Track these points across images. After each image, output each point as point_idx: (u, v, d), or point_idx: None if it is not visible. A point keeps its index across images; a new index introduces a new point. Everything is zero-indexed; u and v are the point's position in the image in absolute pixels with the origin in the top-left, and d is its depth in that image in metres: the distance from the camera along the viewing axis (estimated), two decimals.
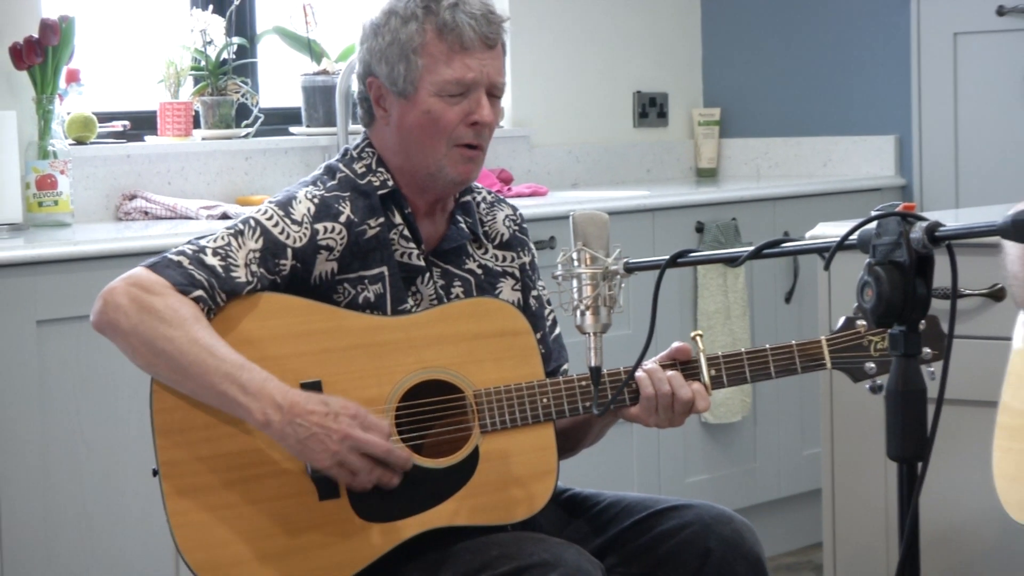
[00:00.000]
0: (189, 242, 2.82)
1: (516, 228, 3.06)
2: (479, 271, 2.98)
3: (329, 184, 2.91)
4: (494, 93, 2.91)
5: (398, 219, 2.92)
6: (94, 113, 4.58)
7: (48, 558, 3.76)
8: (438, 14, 2.85)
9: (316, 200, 2.88)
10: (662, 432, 4.61)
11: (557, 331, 3.07)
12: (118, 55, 4.93)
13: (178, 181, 4.73)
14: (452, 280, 2.95)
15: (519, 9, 5.59)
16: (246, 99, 4.93)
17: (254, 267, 2.80)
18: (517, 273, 3.03)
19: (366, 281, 2.87)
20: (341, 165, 2.94)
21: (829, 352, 2.88)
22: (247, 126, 4.94)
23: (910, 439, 2.22)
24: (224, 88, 4.88)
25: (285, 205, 2.87)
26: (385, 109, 2.91)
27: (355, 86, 2.98)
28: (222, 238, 2.81)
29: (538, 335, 2.99)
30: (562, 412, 2.82)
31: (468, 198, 3.01)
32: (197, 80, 4.88)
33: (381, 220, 2.90)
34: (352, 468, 2.69)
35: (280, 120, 5.15)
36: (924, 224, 2.21)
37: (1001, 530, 3.21)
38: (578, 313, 2.59)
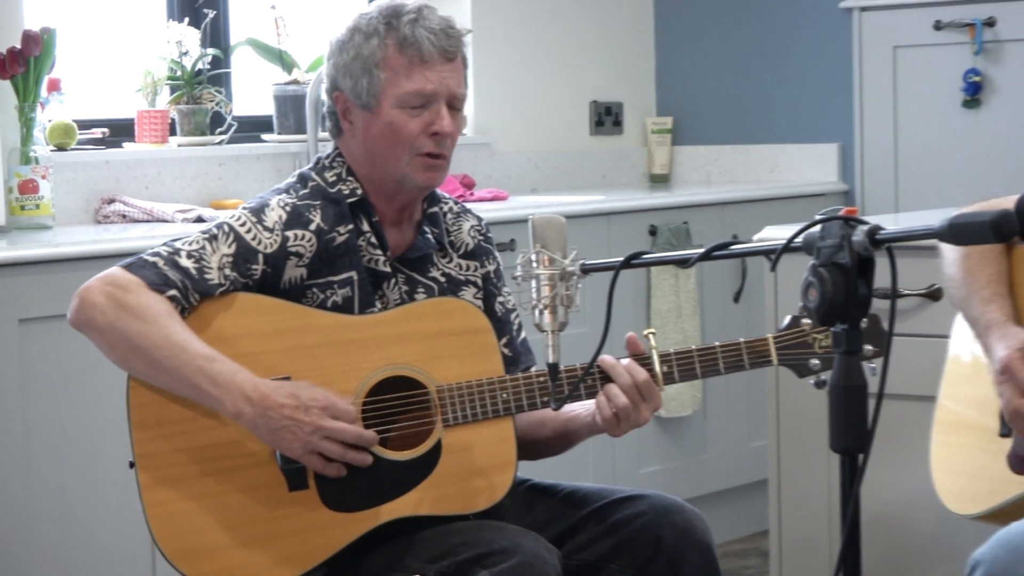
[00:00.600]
0: (164, 244, 2.81)
1: (481, 238, 3.06)
2: (443, 279, 2.98)
3: (301, 192, 2.90)
4: (454, 104, 2.90)
5: (366, 226, 2.91)
6: (74, 120, 4.57)
7: (29, 546, 3.74)
8: (399, 29, 2.85)
9: (288, 208, 2.87)
10: None
11: (523, 335, 3.07)
12: (97, 65, 4.91)
13: (155, 186, 4.71)
14: (416, 287, 2.94)
15: (481, 23, 5.59)
16: (220, 107, 4.92)
17: (227, 270, 2.79)
18: (479, 282, 3.03)
19: (335, 285, 2.87)
20: (313, 174, 2.94)
21: (776, 349, 2.89)
22: (221, 133, 4.93)
23: (852, 432, 2.23)
24: (199, 97, 4.86)
25: (258, 212, 2.86)
26: (351, 122, 2.91)
27: (324, 98, 2.97)
28: (197, 242, 2.80)
29: (505, 339, 3.00)
30: (521, 407, 2.82)
31: (435, 209, 3.00)
32: (173, 89, 4.86)
33: (350, 227, 2.89)
34: (322, 455, 2.69)
35: (253, 128, 5.14)
36: (865, 228, 2.22)
37: (937, 518, 3.22)
38: (537, 312, 2.59)
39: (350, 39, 2.88)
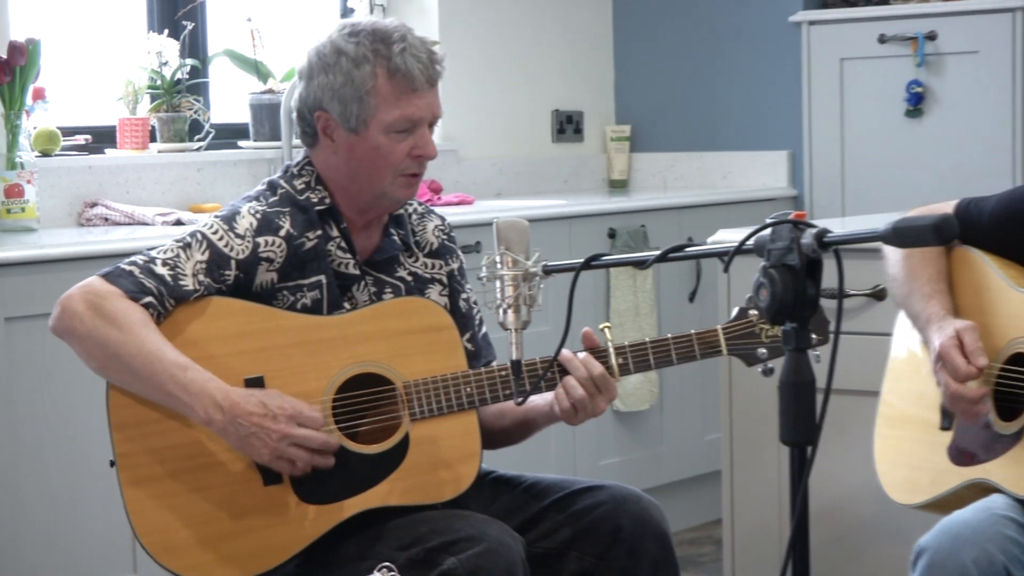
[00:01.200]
0: (141, 254, 2.81)
1: (445, 237, 3.05)
2: (409, 278, 2.97)
3: (271, 200, 2.89)
4: (433, 124, 2.89)
5: (335, 232, 2.90)
6: (58, 128, 4.55)
7: (15, 540, 3.72)
8: (389, 58, 2.82)
9: (258, 215, 2.86)
10: None
11: (484, 330, 3.06)
12: (81, 75, 4.89)
13: (136, 190, 4.70)
14: (384, 287, 2.93)
15: (448, 36, 5.58)
16: (198, 115, 4.90)
17: (201, 276, 2.78)
18: (445, 279, 3.02)
19: (304, 288, 2.86)
20: (282, 181, 2.92)
21: (725, 340, 2.89)
22: (199, 140, 4.91)
23: (801, 425, 2.23)
24: (178, 105, 4.85)
25: (230, 220, 2.85)
26: (333, 139, 2.88)
27: (298, 107, 2.93)
28: (171, 250, 2.79)
29: (468, 334, 3.00)
30: (484, 400, 2.82)
31: (400, 211, 2.99)
32: (153, 98, 4.85)
33: (319, 233, 2.88)
34: (290, 459, 2.69)
35: (229, 135, 5.12)
36: (813, 231, 2.22)
37: (880, 507, 3.22)
38: (501, 311, 2.59)
39: (336, 61, 2.84)
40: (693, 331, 2.88)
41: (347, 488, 2.77)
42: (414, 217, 3.03)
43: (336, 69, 2.83)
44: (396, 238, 2.97)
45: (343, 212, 2.91)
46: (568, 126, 6.10)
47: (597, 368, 2.82)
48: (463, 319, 3.00)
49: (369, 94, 2.82)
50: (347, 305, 2.88)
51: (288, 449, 2.68)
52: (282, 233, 2.85)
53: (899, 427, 3.09)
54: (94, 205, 4.55)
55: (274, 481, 2.75)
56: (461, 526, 2.71)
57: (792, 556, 2.27)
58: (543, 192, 5.88)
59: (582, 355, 2.84)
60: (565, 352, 2.82)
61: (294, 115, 2.95)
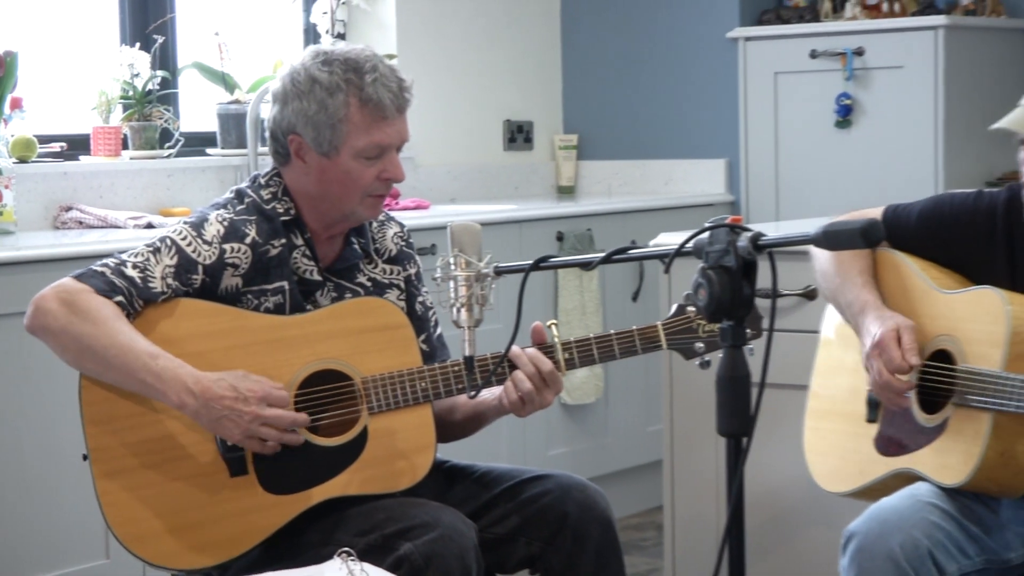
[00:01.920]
0: (112, 256, 2.79)
1: (403, 244, 3.04)
2: (368, 284, 2.96)
3: (238, 208, 2.87)
4: (401, 148, 2.88)
5: (299, 241, 2.89)
6: (35, 135, 4.52)
7: None
8: (361, 88, 2.80)
9: (225, 223, 2.84)
10: None
11: (439, 332, 3.06)
12: (57, 85, 4.86)
13: (109, 195, 4.67)
14: (344, 292, 2.92)
15: (406, 50, 5.57)
16: (168, 124, 4.88)
17: (169, 280, 2.76)
18: (402, 284, 3.01)
19: (267, 293, 2.84)
20: (249, 190, 2.91)
21: (664, 335, 2.89)
22: (169, 148, 4.89)
23: (737, 418, 2.23)
24: (149, 114, 4.82)
25: (198, 226, 2.83)
26: (305, 161, 2.86)
27: (268, 123, 2.90)
28: (142, 254, 2.78)
29: (423, 336, 2.99)
30: (438, 394, 2.82)
31: (371, 221, 2.98)
32: (126, 107, 4.82)
33: (283, 241, 2.86)
34: (260, 438, 2.69)
35: (198, 143, 5.10)
36: (749, 234, 2.22)
37: (810, 495, 3.23)
38: (454, 310, 2.59)
39: (310, 90, 2.81)
40: (635, 327, 2.88)
41: (309, 478, 2.76)
42: (374, 225, 3.02)
43: (310, 97, 2.81)
44: (357, 246, 2.96)
45: (307, 223, 2.89)
46: (519, 135, 6.10)
47: (544, 363, 2.82)
48: (419, 321, 2.99)
49: (342, 122, 2.81)
50: (309, 308, 2.86)
51: (260, 429, 2.68)
52: (248, 240, 2.83)
53: (828, 420, 3.10)
54: (69, 209, 4.52)
55: (240, 472, 2.74)
56: (416, 513, 2.71)
57: (728, 541, 2.27)
58: (495, 197, 5.87)
59: (530, 351, 2.83)
60: (514, 348, 2.81)
61: (267, 134, 2.92)
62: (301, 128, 2.83)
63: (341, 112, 2.80)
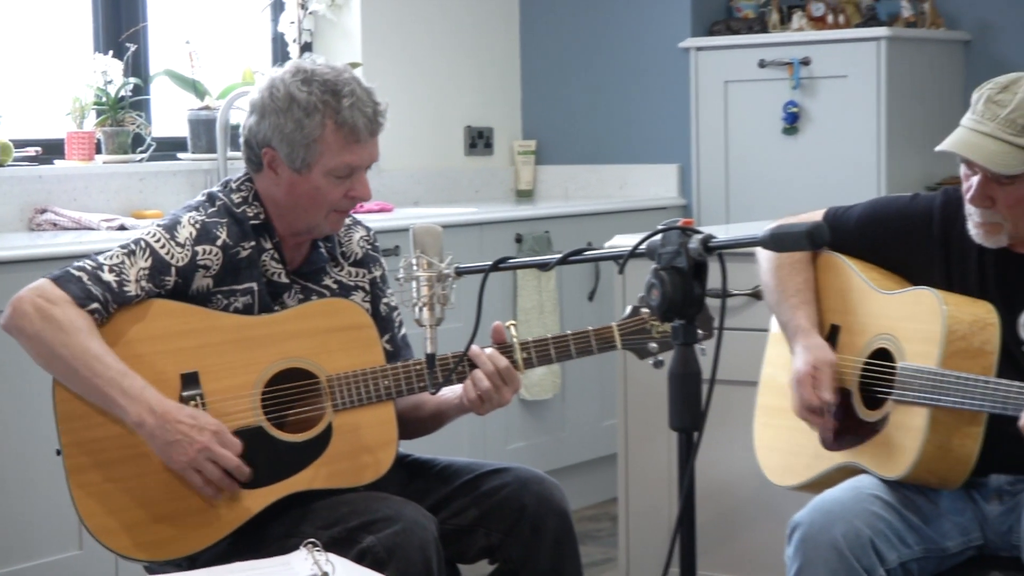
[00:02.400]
0: (89, 258, 2.78)
1: (369, 247, 3.04)
2: (335, 286, 2.95)
3: (210, 211, 2.86)
4: (369, 168, 2.87)
5: (268, 245, 2.88)
6: (10, 140, 4.49)
7: None
8: (338, 111, 2.79)
9: (197, 225, 2.83)
10: None
11: (403, 332, 3.05)
12: (32, 91, 4.83)
13: (82, 198, 4.64)
14: (311, 295, 2.92)
15: (370, 58, 5.56)
16: (140, 129, 4.85)
17: (143, 282, 2.75)
18: (367, 286, 3.00)
19: (237, 293, 2.83)
20: (221, 194, 2.89)
21: (619, 335, 2.89)
22: (141, 152, 4.86)
23: (688, 413, 2.23)
24: (122, 120, 4.80)
25: (171, 229, 2.82)
26: (277, 173, 2.85)
27: (244, 131, 2.88)
28: (117, 256, 2.77)
29: (387, 336, 2.98)
30: (400, 392, 2.81)
31: (333, 234, 2.97)
32: (99, 113, 4.79)
33: (252, 244, 2.85)
34: (204, 473, 2.67)
35: (169, 147, 5.07)
36: (700, 236, 2.22)
37: (760, 487, 3.24)
38: (417, 309, 2.58)
39: (288, 108, 2.79)
40: (590, 328, 2.88)
41: (275, 473, 2.74)
42: (341, 229, 3.01)
43: (288, 114, 2.80)
44: (323, 251, 2.95)
45: (276, 228, 2.88)
46: (479, 141, 6.09)
47: (502, 362, 2.82)
48: (383, 322, 2.99)
49: (317, 142, 2.80)
50: (277, 309, 2.86)
51: (205, 463, 2.66)
52: (218, 243, 2.82)
53: (776, 416, 3.11)
54: (44, 211, 4.49)
55: None
56: (379, 507, 2.70)
57: (680, 531, 2.27)
58: (456, 201, 5.87)
59: (489, 351, 2.83)
60: (474, 348, 2.81)
61: (241, 141, 2.90)
62: (276, 143, 2.82)
63: (316, 133, 2.79)
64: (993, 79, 2.80)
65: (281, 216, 2.87)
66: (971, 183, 2.79)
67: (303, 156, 2.80)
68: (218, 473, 2.68)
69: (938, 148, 2.80)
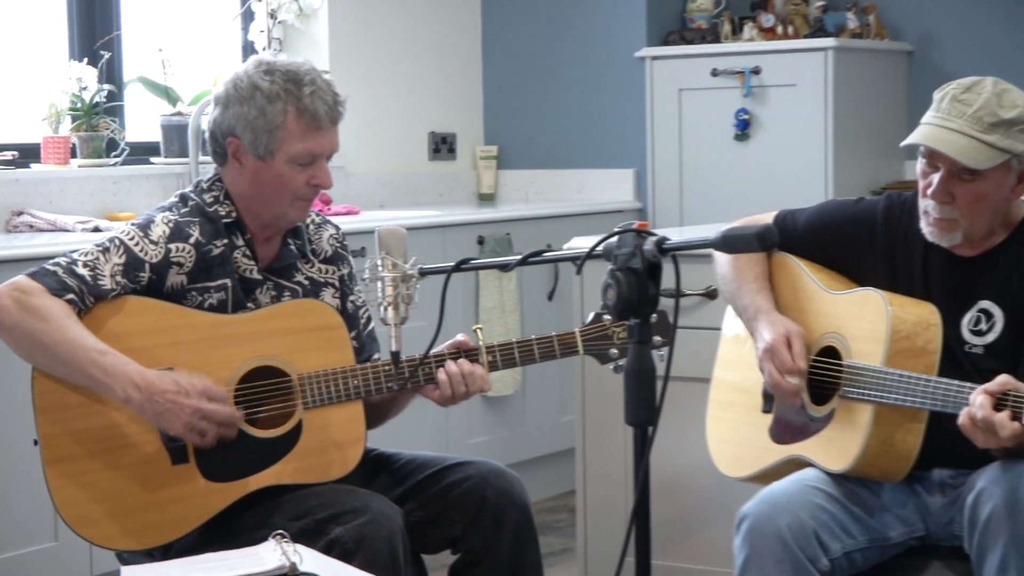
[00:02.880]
0: (64, 256, 2.76)
1: (338, 245, 3.04)
2: (306, 282, 2.95)
3: (182, 210, 2.86)
4: (331, 157, 2.87)
5: (240, 242, 2.87)
6: None
7: None
8: (299, 98, 2.80)
9: (171, 224, 2.82)
10: None
11: (371, 327, 3.05)
12: (9, 97, 4.80)
13: (58, 200, 4.62)
14: (283, 291, 2.91)
15: (337, 66, 5.55)
16: (114, 135, 4.84)
17: (118, 277, 2.74)
18: (337, 283, 3.00)
19: (211, 290, 2.82)
20: (193, 195, 2.89)
21: (582, 341, 2.90)
22: (115, 156, 4.85)
23: (643, 409, 2.24)
24: (96, 125, 4.78)
25: (145, 227, 2.81)
26: (241, 163, 2.85)
27: (208, 124, 2.89)
28: (92, 253, 2.75)
29: (354, 332, 2.98)
30: (369, 391, 2.81)
31: (298, 223, 2.97)
32: (74, 119, 4.77)
33: (225, 242, 2.85)
34: (200, 431, 2.67)
35: (143, 152, 5.06)
36: (654, 238, 2.23)
37: (713, 480, 3.25)
38: (382, 308, 2.58)
39: (251, 96, 2.80)
40: (554, 333, 2.89)
41: (247, 467, 2.74)
42: (311, 227, 3.01)
43: (251, 102, 2.80)
44: (293, 248, 2.94)
45: (247, 225, 2.88)
46: (443, 146, 6.09)
47: (468, 366, 2.82)
48: (351, 318, 2.98)
49: (279, 128, 2.80)
50: (251, 305, 2.85)
51: (199, 422, 2.66)
52: (191, 241, 2.82)
53: (727, 410, 3.12)
54: (20, 213, 4.47)
55: (181, 460, 2.73)
56: (347, 500, 2.70)
57: (635, 522, 2.28)
58: (420, 204, 5.86)
59: (467, 369, 2.83)
60: (443, 351, 2.82)
61: (206, 135, 2.91)
62: (240, 131, 2.82)
63: (279, 119, 2.79)
64: (955, 81, 2.82)
65: (249, 209, 2.87)
66: (931, 179, 2.79)
67: (266, 142, 2.80)
68: (214, 428, 2.68)
69: (906, 141, 2.80)
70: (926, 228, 2.84)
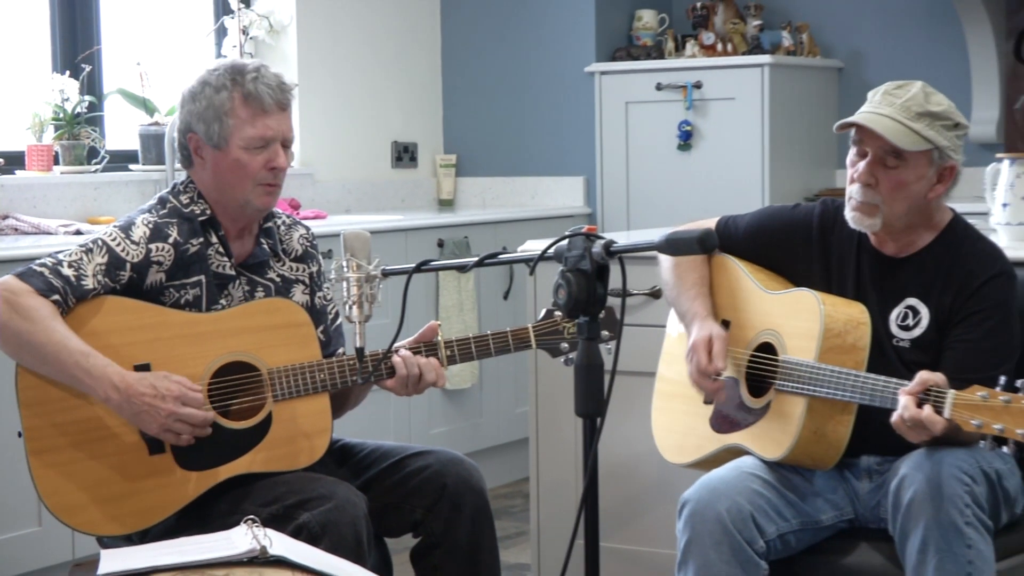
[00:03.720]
0: (50, 256, 2.75)
1: (308, 245, 3.03)
2: (278, 279, 2.94)
3: (161, 212, 2.85)
4: (286, 144, 2.87)
5: (214, 239, 2.86)
6: None
7: None
8: (243, 85, 2.80)
9: (151, 225, 2.81)
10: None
11: (337, 323, 3.04)
12: None
13: (42, 205, 4.59)
14: (256, 287, 2.90)
15: (305, 78, 5.53)
16: (95, 143, 4.80)
17: (100, 277, 2.73)
18: (307, 280, 2.99)
19: (187, 286, 2.81)
20: (170, 197, 2.88)
21: (534, 336, 2.90)
22: (96, 164, 4.81)
23: (592, 401, 2.25)
24: (78, 134, 4.75)
25: (126, 229, 2.80)
26: (202, 157, 2.84)
27: (175, 136, 2.90)
28: (75, 254, 2.74)
29: (321, 327, 2.97)
30: (335, 384, 2.80)
31: (270, 224, 2.96)
32: (57, 128, 4.74)
33: (200, 240, 2.84)
34: (175, 432, 2.67)
35: (122, 159, 5.02)
36: (602, 241, 2.24)
37: (658, 467, 3.26)
38: (347, 307, 2.58)
39: (201, 91, 2.82)
40: (508, 329, 2.89)
41: (220, 457, 2.73)
42: (282, 228, 3.00)
43: (201, 96, 2.82)
44: (266, 246, 2.94)
45: (221, 222, 2.87)
46: (405, 154, 6.08)
47: (429, 378, 2.83)
48: (319, 314, 2.98)
49: (227, 115, 2.79)
50: (223, 302, 2.84)
51: (174, 424, 2.66)
52: (170, 240, 2.80)
53: (671, 401, 3.13)
54: (6, 218, 4.43)
55: (158, 451, 2.72)
56: (314, 486, 2.70)
57: (585, 506, 2.29)
58: (384, 209, 5.85)
59: (421, 360, 2.82)
60: (405, 353, 2.81)
61: (175, 143, 2.90)
62: (195, 125, 2.82)
63: (226, 106, 2.79)
64: (887, 83, 2.86)
65: (218, 203, 2.86)
66: (858, 167, 2.82)
67: (218, 131, 2.80)
68: (189, 429, 2.68)
69: (841, 121, 2.84)
70: (849, 214, 2.86)
